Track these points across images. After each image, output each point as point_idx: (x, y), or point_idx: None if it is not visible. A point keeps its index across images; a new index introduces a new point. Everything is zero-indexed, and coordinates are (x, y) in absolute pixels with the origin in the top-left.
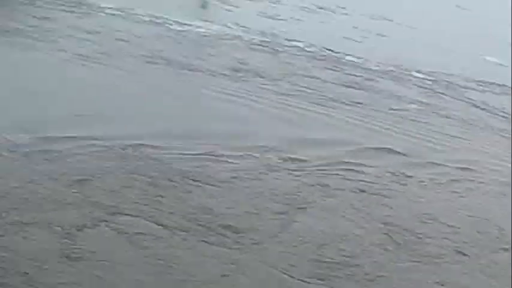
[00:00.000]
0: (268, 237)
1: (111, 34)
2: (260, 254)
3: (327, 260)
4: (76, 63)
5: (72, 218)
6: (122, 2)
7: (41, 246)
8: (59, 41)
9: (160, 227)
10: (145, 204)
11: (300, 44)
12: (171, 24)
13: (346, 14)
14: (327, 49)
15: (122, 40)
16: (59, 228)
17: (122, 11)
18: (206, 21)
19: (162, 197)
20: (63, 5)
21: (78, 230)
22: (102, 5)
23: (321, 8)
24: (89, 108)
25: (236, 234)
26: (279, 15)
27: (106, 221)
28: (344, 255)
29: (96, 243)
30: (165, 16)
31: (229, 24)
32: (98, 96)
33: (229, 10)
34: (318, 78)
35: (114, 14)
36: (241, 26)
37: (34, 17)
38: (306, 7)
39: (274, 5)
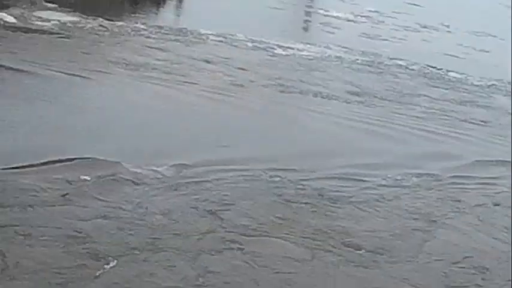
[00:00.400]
0: (406, 255)
1: (227, 62)
2: (398, 273)
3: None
4: (211, 96)
5: (210, 244)
6: (220, 28)
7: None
8: (190, 73)
9: (300, 248)
10: (287, 227)
11: (402, 63)
12: (274, 49)
13: (449, 31)
14: (430, 66)
15: (241, 69)
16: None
17: (224, 37)
18: (308, 43)
19: (300, 217)
20: (168, 33)
21: (213, 255)
22: (203, 32)
23: (424, 27)
24: (228, 138)
25: (373, 253)
26: (381, 36)
27: (239, 244)
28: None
29: (232, 267)
30: (266, 40)
31: (331, 46)
32: (235, 126)
33: (330, 32)
34: (426, 96)
35: (218, 41)
36: (343, 47)
37: (149, 47)
38: (408, 26)
39: (377, 26)
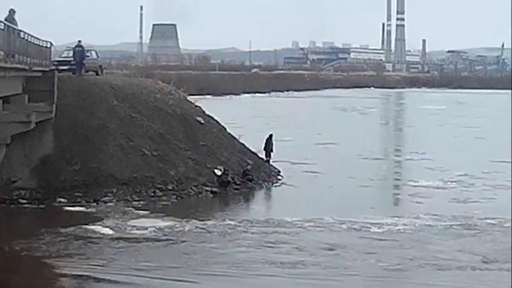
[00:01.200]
0: None
1: (348, 251)
2: None
3: None
4: None
5: None
6: (306, 214)
7: None
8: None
9: None
10: None
11: (494, 221)
12: (369, 228)
13: None
14: None
15: (361, 252)
16: None
17: (313, 222)
18: (399, 216)
19: None
20: (256, 225)
21: None
22: (291, 220)
23: None
24: None
25: None
26: (471, 198)
27: None
28: None
29: None
30: (355, 219)
31: (420, 216)
32: None
33: (419, 202)
34: None
35: (310, 227)
36: (432, 215)
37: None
38: (500, 185)
39: (467, 189)
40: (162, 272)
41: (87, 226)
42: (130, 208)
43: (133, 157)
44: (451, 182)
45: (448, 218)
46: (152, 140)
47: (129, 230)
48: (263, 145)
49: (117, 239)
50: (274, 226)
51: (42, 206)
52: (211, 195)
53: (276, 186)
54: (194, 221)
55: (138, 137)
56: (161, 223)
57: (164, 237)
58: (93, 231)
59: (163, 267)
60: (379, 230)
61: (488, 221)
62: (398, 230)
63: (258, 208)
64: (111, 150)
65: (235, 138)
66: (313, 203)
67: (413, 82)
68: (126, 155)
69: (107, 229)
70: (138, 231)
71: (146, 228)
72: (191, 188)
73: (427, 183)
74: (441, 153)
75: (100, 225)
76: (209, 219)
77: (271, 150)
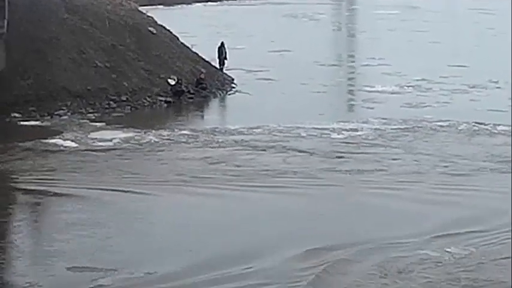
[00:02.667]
0: None
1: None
2: None
3: None
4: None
5: None
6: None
7: None
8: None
9: None
10: None
11: (445, 123)
12: (329, 134)
13: (499, 87)
14: (478, 123)
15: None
16: None
17: (261, 129)
18: (343, 121)
19: None
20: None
21: None
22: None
23: (472, 87)
24: None
25: None
26: (425, 103)
27: None
28: None
29: None
30: (302, 125)
31: (370, 120)
32: None
33: (370, 108)
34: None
35: (259, 133)
36: (382, 119)
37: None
38: (456, 89)
39: (423, 94)
40: (118, 184)
41: (46, 140)
42: (85, 120)
43: (86, 69)
44: (408, 87)
45: (398, 121)
46: (105, 52)
47: (92, 143)
48: (216, 54)
49: (81, 151)
50: (228, 134)
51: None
52: (165, 105)
53: (229, 94)
54: (153, 131)
55: (90, 49)
56: (122, 134)
57: (130, 148)
58: (55, 145)
59: (121, 178)
60: (340, 136)
61: (439, 123)
62: (354, 135)
63: (211, 117)
64: (63, 63)
65: (188, 48)
66: (264, 110)
67: None
68: (79, 67)
69: (69, 142)
70: (102, 143)
71: (111, 140)
72: (145, 99)
73: (383, 89)
74: (398, 59)
75: (60, 138)
76: (165, 129)
77: (225, 58)
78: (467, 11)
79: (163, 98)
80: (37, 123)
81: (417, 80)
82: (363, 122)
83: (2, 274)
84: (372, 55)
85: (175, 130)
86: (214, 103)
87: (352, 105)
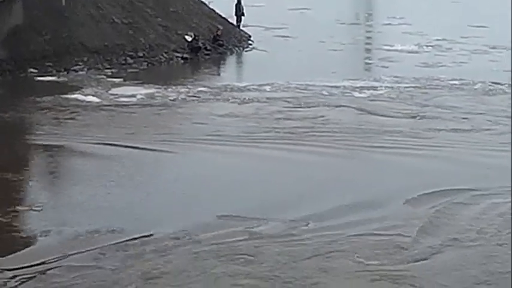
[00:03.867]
0: None
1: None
2: None
3: None
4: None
5: None
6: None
7: None
8: None
9: None
10: None
11: (457, 82)
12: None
13: None
14: (494, 83)
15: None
16: None
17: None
18: (356, 79)
19: None
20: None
21: None
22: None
23: (493, 48)
24: None
25: None
26: (441, 62)
27: None
28: None
29: None
30: (311, 83)
31: (383, 78)
32: None
33: (385, 66)
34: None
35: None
36: (394, 77)
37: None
38: (477, 50)
39: (442, 54)
40: (143, 141)
41: (66, 95)
42: (102, 76)
43: (104, 25)
44: (428, 46)
45: (409, 80)
46: (122, 8)
47: (115, 98)
48: (233, 10)
49: (105, 106)
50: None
51: (15, 77)
52: (182, 61)
53: (246, 51)
54: (173, 87)
55: (107, 5)
56: (143, 90)
57: (157, 103)
58: (76, 99)
59: (145, 134)
60: (362, 95)
61: (452, 82)
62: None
63: (228, 74)
64: (81, 19)
65: (205, 4)
66: (280, 67)
67: None
68: (96, 23)
69: (90, 97)
70: (126, 99)
71: (134, 96)
72: (162, 55)
73: (402, 48)
74: (419, 18)
75: (80, 93)
76: (185, 86)
77: (242, 15)
78: None
79: (180, 55)
80: (54, 78)
81: (438, 40)
82: (374, 80)
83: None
84: (393, 14)
85: (199, 86)
86: (231, 59)
87: (368, 63)
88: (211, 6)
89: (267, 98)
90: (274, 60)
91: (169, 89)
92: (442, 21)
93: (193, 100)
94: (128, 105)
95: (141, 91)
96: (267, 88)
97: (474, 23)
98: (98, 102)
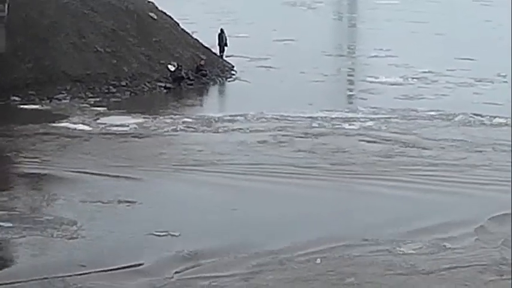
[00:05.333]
0: None
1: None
2: None
3: None
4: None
5: None
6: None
7: None
8: None
9: None
10: None
11: (434, 113)
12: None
13: (506, 81)
14: (475, 115)
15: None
16: None
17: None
18: (331, 110)
19: None
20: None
21: None
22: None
23: (479, 81)
24: None
25: None
26: (422, 95)
27: None
28: None
29: None
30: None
31: (360, 109)
32: None
33: (363, 98)
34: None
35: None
36: (371, 108)
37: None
38: (463, 82)
39: (426, 86)
40: (119, 169)
41: (54, 124)
42: (85, 105)
43: (86, 54)
44: (413, 78)
45: (386, 111)
46: (105, 37)
47: (107, 126)
48: (216, 40)
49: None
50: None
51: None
52: (164, 91)
53: (229, 81)
54: (161, 117)
55: (90, 33)
56: (132, 120)
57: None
58: (66, 128)
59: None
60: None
61: (430, 113)
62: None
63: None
64: (63, 48)
65: (188, 34)
66: (257, 97)
67: None
68: (79, 51)
69: (81, 125)
70: (117, 128)
71: (128, 125)
72: (144, 84)
73: (386, 80)
74: (405, 50)
75: (67, 122)
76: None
77: (225, 45)
78: (465, 2)
79: (163, 84)
80: (37, 107)
81: (424, 72)
82: (351, 111)
83: None
84: (377, 46)
85: (184, 117)
86: (214, 89)
87: (350, 95)
88: (194, 36)
89: (250, 130)
90: (255, 90)
91: (157, 119)
92: (428, 54)
93: (184, 130)
94: (121, 134)
95: (129, 120)
96: (251, 119)
97: (460, 55)
98: (89, 131)
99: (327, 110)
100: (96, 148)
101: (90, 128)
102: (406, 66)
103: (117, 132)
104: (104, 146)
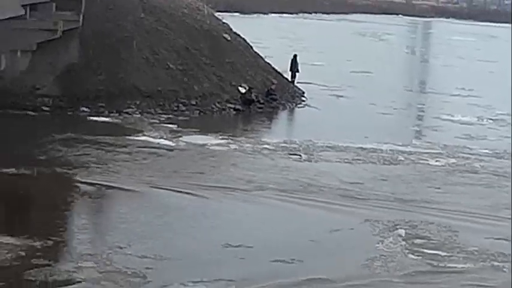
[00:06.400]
0: None
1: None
2: None
3: None
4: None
5: None
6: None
7: None
8: None
9: None
10: None
11: (488, 151)
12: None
13: None
14: None
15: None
16: None
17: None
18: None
19: None
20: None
21: None
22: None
23: None
24: None
25: None
26: (486, 135)
27: None
28: None
29: None
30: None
31: (415, 143)
32: None
33: (424, 135)
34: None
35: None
36: (425, 142)
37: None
38: None
39: (495, 127)
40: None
41: (129, 137)
42: (155, 121)
43: (158, 70)
44: (489, 119)
45: (439, 146)
46: (178, 54)
47: (196, 146)
48: (289, 66)
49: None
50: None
51: (69, 113)
52: (234, 112)
53: (299, 107)
54: (244, 138)
55: (163, 50)
56: (213, 140)
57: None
58: (147, 142)
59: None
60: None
61: (483, 150)
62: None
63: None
64: (136, 62)
65: (261, 57)
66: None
67: (441, 12)
68: (151, 67)
69: (164, 140)
70: (201, 148)
71: (209, 145)
72: (214, 104)
73: (461, 118)
74: (488, 90)
75: (148, 136)
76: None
77: (297, 71)
78: None
79: (232, 105)
80: (107, 119)
81: (502, 114)
82: (403, 145)
83: None
84: (455, 83)
85: (257, 138)
86: (283, 114)
87: (413, 130)
88: (267, 60)
89: (325, 161)
90: (323, 118)
91: (236, 140)
92: (507, 94)
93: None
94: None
95: (211, 141)
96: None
97: None
98: (172, 146)
99: (376, 142)
100: (189, 165)
101: (173, 144)
102: (488, 107)
103: (206, 152)
104: (194, 164)
